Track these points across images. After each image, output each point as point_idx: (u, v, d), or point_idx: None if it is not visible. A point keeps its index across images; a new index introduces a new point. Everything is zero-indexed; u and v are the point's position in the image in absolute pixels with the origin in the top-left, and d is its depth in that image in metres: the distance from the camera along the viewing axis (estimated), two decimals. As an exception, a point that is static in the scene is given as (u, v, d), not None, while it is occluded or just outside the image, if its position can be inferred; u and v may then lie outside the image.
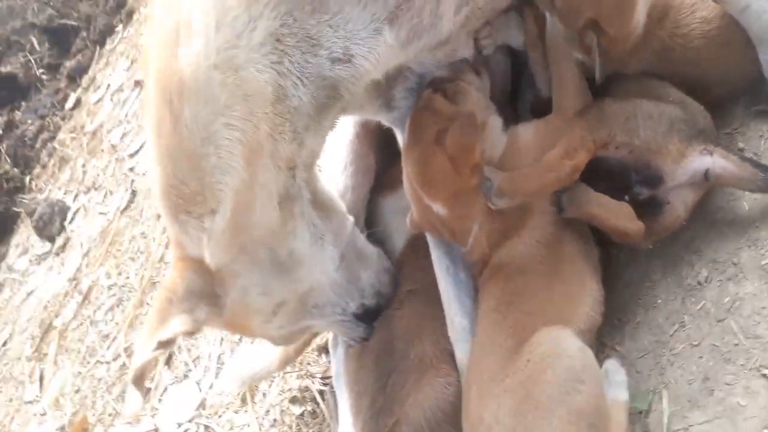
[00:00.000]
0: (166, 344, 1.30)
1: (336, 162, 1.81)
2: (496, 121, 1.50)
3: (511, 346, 1.32)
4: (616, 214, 1.38)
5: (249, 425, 2.05)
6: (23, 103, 4.79)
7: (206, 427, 2.16)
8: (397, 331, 1.63)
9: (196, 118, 1.22)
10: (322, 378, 1.98)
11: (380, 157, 1.82)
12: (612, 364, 1.33)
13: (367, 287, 1.60)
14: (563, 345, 1.27)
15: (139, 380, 1.33)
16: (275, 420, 2.00)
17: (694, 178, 1.35)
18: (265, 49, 1.20)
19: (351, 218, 1.59)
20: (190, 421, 2.21)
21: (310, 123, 1.30)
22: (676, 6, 1.48)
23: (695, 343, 1.31)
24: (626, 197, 1.39)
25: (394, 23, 1.27)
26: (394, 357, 1.60)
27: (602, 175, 1.45)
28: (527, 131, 1.50)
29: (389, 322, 1.64)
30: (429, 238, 1.59)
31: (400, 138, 1.57)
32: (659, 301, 1.43)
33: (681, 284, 1.41)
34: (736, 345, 1.25)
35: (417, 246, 1.67)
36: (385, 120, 1.60)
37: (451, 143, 1.39)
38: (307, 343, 2.06)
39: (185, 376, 2.36)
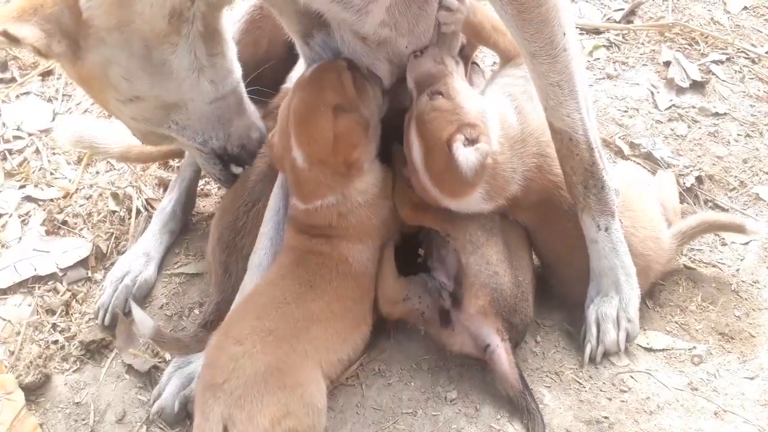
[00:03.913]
0: (10, 40, 1.33)
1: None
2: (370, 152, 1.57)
3: (291, 304, 1.49)
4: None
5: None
6: None
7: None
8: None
9: None
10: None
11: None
12: None
13: (234, 135, 1.71)
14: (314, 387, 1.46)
15: None
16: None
17: (477, 340, 1.50)
18: None
19: (239, 73, 1.66)
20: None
21: None
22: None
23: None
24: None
25: None
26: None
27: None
28: None
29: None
30: (279, 177, 1.68)
31: (305, 68, 1.64)
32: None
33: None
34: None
35: None
36: (299, 49, 1.68)
37: (343, 127, 1.46)
38: (152, 160, 2.13)
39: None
